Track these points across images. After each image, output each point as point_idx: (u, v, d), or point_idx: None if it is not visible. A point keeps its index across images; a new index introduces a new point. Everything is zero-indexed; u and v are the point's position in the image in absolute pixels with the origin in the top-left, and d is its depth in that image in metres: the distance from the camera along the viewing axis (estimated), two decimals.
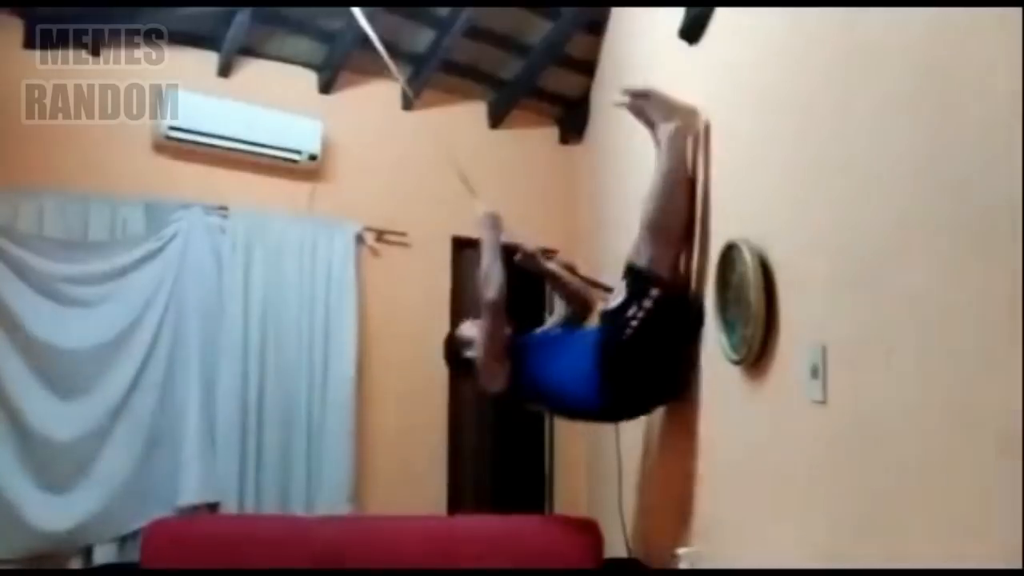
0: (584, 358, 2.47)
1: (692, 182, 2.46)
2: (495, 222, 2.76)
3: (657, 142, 2.45)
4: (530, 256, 2.84)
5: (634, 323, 2.31)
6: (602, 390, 2.42)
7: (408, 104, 4.24)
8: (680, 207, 2.40)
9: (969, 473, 1.25)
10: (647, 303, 2.30)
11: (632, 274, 2.37)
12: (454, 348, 2.85)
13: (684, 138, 2.40)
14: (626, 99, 2.51)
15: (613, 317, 2.39)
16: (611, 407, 2.53)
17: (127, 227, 3.48)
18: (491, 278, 2.61)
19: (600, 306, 2.67)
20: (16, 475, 3.12)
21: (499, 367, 2.59)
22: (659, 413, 3.02)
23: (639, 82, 3.56)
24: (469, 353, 2.70)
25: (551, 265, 2.97)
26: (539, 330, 2.93)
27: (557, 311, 3.07)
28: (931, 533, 1.35)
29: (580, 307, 2.92)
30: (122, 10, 3.43)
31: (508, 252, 2.79)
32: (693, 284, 2.45)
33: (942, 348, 1.33)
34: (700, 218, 2.45)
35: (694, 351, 2.41)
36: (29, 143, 3.33)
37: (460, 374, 2.94)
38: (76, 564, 3.25)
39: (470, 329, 2.77)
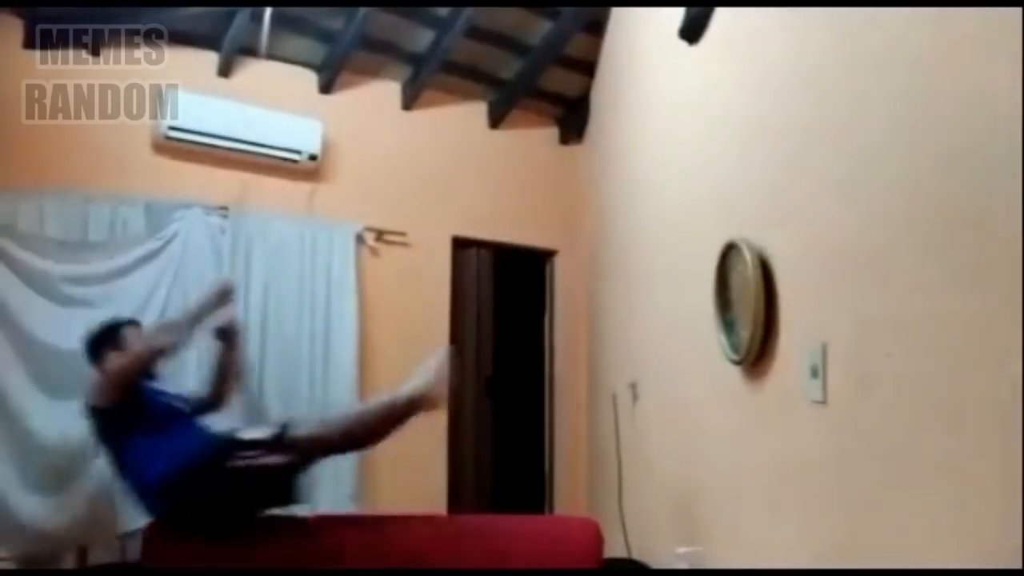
0: (183, 448, 2.28)
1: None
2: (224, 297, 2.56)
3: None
4: (232, 332, 2.68)
5: (244, 462, 2.19)
6: (169, 484, 2.20)
7: (408, 104, 4.24)
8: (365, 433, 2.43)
9: (969, 473, 1.25)
10: (268, 459, 2.20)
11: (281, 432, 2.25)
12: (101, 338, 2.55)
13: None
14: None
15: (232, 442, 2.26)
16: (158, 500, 2.27)
17: (127, 227, 3.47)
18: (180, 333, 2.45)
19: (236, 423, 2.51)
20: (14, 474, 3.12)
21: (116, 391, 2.34)
22: (659, 413, 3.03)
23: (638, 82, 3.57)
24: (113, 355, 2.44)
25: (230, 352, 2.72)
26: (173, 391, 2.65)
27: (194, 388, 2.78)
28: (931, 533, 1.35)
29: (216, 395, 2.71)
30: (122, 10, 3.42)
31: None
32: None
33: (941, 348, 1.33)
34: None
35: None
36: (29, 143, 3.33)
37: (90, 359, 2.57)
38: (69, 563, 3.25)
39: (134, 341, 2.51)
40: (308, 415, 2.81)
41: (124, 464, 2.35)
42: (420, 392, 2.36)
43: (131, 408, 2.36)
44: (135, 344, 2.46)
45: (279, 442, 2.22)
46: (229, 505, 2.25)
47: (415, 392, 2.35)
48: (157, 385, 2.54)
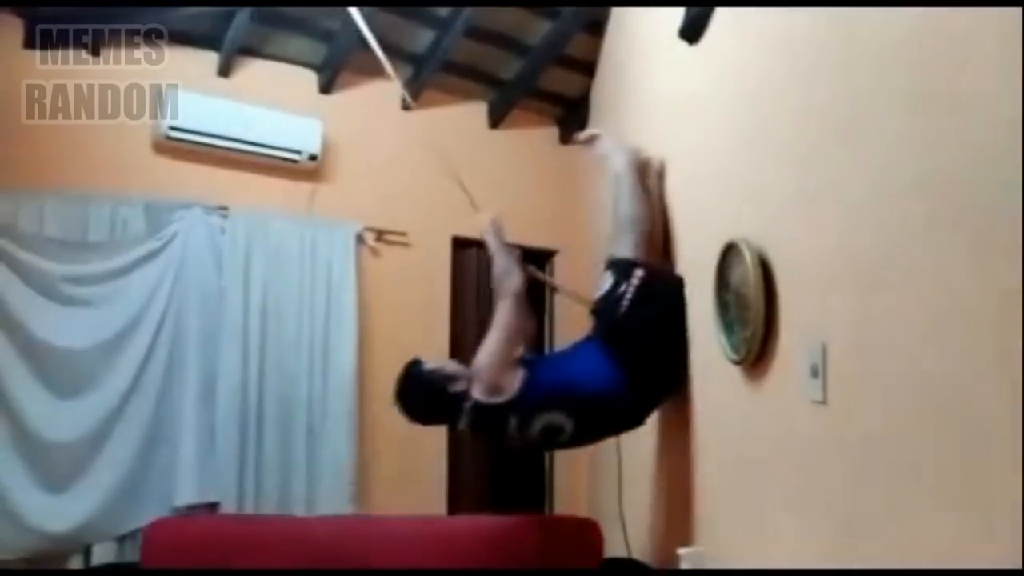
0: (592, 352, 2.51)
1: (651, 195, 2.79)
2: (500, 227, 2.81)
3: (611, 168, 2.85)
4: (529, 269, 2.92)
5: (625, 301, 2.47)
6: (622, 373, 2.45)
7: (408, 105, 4.24)
8: (646, 210, 2.73)
9: (969, 473, 1.25)
10: (634, 281, 2.49)
11: (614, 264, 2.58)
12: (430, 382, 2.61)
13: (636, 161, 2.81)
14: (585, 138, 3.04)
15: (604, 302, 2.55)
16: (636, 388, 2.49)
17: (127, 227, 3.48)
18: (511, 271, 2.65)
19: (589, 301, 2.75)
20: (15, 474, 3.12)
21: (510, 371, 2.46)
22: (658, 413, 3.02)
23: (638, 82, 3.57)
24: (457, 387, 2.53)
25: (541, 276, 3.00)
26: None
27: None
28: (931, 533, 1.35)
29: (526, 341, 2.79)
30: (122, 10, 3.43)
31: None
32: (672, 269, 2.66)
33: (942, 348, 1.33)
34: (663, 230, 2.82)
35: (684, 342, 2.55)
36: (29, 143, 3.33)
37: (424, 419, 2.76)
38: (76, 564, 3.25)
39: (451, 365, 2.68)
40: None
41: (589, 403, 2.50)
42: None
43: (533, 374, 2.51)
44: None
45: (623, 268, 2.59)
46: (657, 338, 2.55)
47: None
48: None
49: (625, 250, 2.64)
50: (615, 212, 2.78)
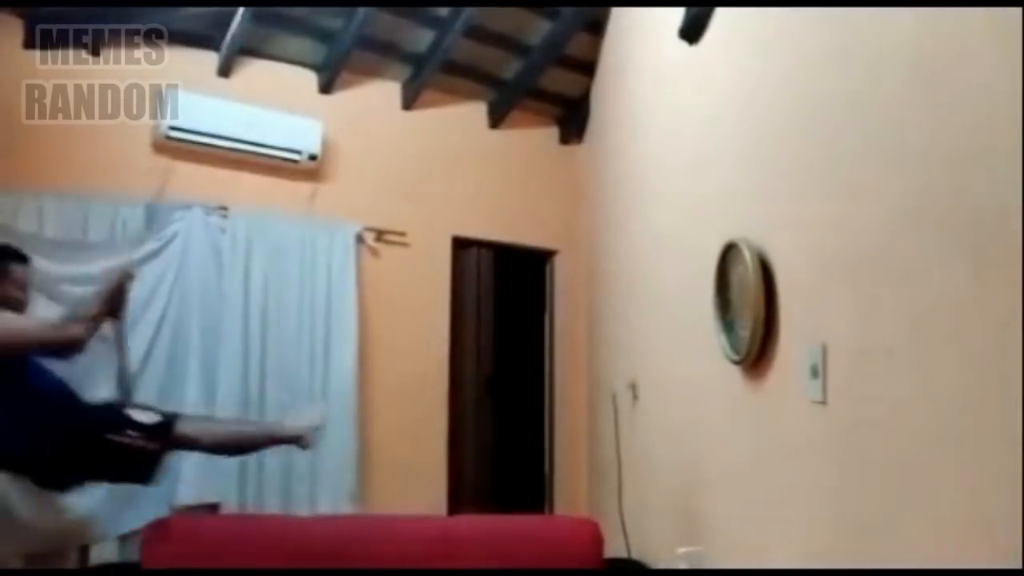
0: (64, 415, 2.29)
1: None
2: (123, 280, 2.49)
3: None
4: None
5: (126, 440, 2.24)
6: (44, 448, 2.23)
7: (408, 104, 4.24)
8: None
9: (969, 473, 1.25)
10: (146, 443, 2.27)
11: (168, 423, 2.33)
12: None
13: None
14: None
15: (121, 418, 2.29)
16: (28, 463, 2.27)
17: (127, 227, 3.48)
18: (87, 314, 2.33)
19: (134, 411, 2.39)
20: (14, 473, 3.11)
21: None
22: (659, 413, 3.02)
23: (638, 82, 3.57)
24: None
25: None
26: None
27: None
28: (931, 533, 1.35)
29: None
30: (122, 10, 3.43)
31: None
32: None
33: (941, 348, 1.33)
34: None
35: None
36: (29, 143, 3.33)
37: None
38: (73, 564, 3.24)
39: (21, 283, 2.36)
40: (194, 413, 2.99)
41: None
42: (300, 431, 2.58)
43: (8, 367, 2.22)
44: (27, 317, 2.35)
45: (163, 431, 2.31)
46: (89, 470, 2.34)
47: (295, 430, 2.58)
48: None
49: (190, 428, 2.42)
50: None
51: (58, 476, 2.33)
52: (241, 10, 3.58)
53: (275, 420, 2.89)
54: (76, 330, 2.28)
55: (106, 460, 2.29)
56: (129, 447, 2.24)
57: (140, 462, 2.30)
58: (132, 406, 2.42)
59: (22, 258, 2.43)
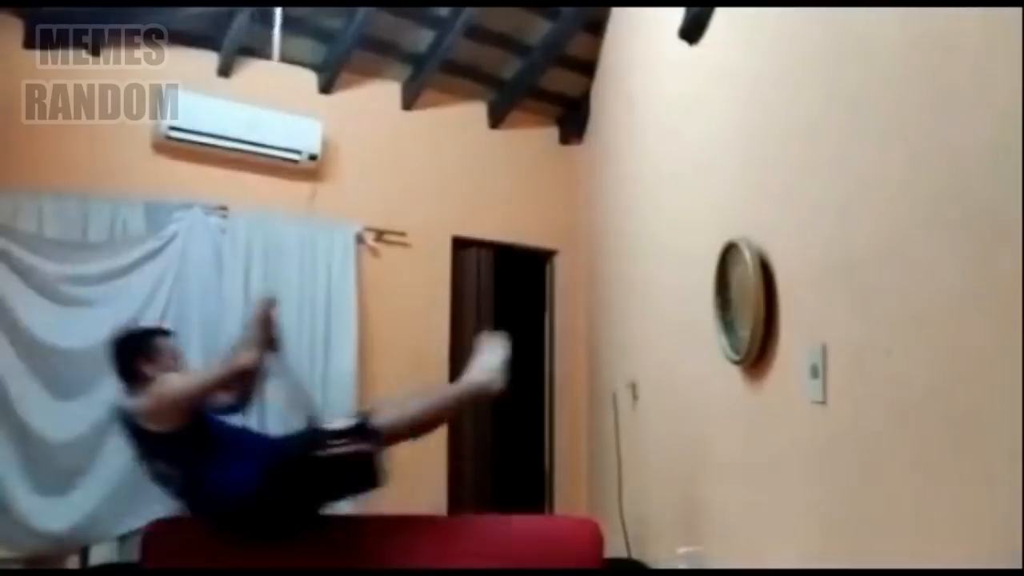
0: (267, 454, 2.28)
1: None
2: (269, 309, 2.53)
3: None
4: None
5: (334, 450, 2.22)
6: (259, 479, 2.19)
7: (408, 104, 4.24)
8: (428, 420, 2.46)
9: (969, 473, 1.25)
10: (356, 446, 2.23)
11: (363, 421, 2.29)
12: (132, 347, 2.33)
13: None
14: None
15: (319, 432, 2.28)
16: (255, 510, 2.24)
17: (127, 227, 3.48)
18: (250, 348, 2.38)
19: (317, 422, 2.40)
20: (15, 474, 3.12)
21: (177, 413, 2.16)
22: (659, 413, 3.02)
23: (638, 82, 3.57)
24: (148, 369, 2.26)
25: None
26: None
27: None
28: (931, 533, 1.34)
29: (241, 396, 2.51)
30: (122, 10, 3.43)
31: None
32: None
33: (941, 348, 1.33)
34: None
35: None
36: (29, 143, 3.33)
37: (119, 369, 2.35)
38: (73, 564, 3.25)
39: (167, 354, 2.35)
40: (383, 401, 2.73)
41: (203, 484, 2.22)
42: (485, 380, 2.43)
43: (197, 430, 2.21)
44: (179, 361, 2.36)
45: (363, 430, 2.26)
46: (319, 496, 2.32)
47: (480, 380, 2.43)
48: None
49: (382, 420, 2.32)
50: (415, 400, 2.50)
51: (286, 516, 2.29)
52: (241, 10, 3.58)
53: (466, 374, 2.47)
54: (245, 359, 2.34)
55: (327, 479, 2.28)
56: (343, 457, 2.22)
57: (360, 467, 2.28)
58: (325, 420, 2.38)
59: (164, 333, 2.50)
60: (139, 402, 2.20)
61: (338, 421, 2.33)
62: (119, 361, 2.31)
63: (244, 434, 2.45)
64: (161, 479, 2.28)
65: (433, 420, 2.51)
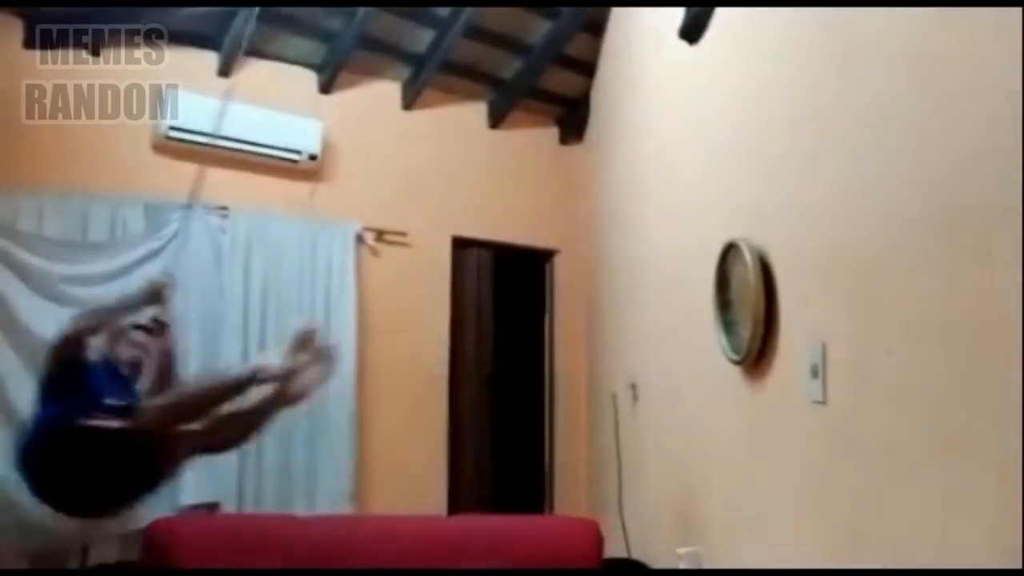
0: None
1: None
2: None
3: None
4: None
5: (98, 422, 2.10)
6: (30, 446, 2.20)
7: (408, 104, 4.24)
8: None
9: (969, 473, 1.25)
10: (121, 423, 2.10)
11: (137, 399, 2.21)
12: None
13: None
14: None
15: (90, 404, 2.18)
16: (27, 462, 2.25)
17: (127, 227, 3.48)
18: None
19: None
20: (15, 474, 3.12)
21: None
22: (659, 413, 3.02)
23: (638, 82, 3.57)
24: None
25: None
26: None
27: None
28: (931, 532, 1.35)
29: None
30: (122, 10, 3.42)
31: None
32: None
33: (941, 348, 1.33)
34: None
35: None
36: (29, 143, 3.33)
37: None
38: (73, 563, 3.24)
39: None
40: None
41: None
42: (272, 373, 2.22)
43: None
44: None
45: (129, 408, 2.15)
46: (87, 474, 2.17)
47: (264, 371, 2.22)
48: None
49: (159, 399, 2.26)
50: None
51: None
52: (241, 10, 3.58)
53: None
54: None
55: (92, 455, 2.16)
56: (104, 430, 2.10)
57: (130, 457, 2.15)
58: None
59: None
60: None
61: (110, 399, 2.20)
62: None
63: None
64: None
65: (203, 403, 2.29)
